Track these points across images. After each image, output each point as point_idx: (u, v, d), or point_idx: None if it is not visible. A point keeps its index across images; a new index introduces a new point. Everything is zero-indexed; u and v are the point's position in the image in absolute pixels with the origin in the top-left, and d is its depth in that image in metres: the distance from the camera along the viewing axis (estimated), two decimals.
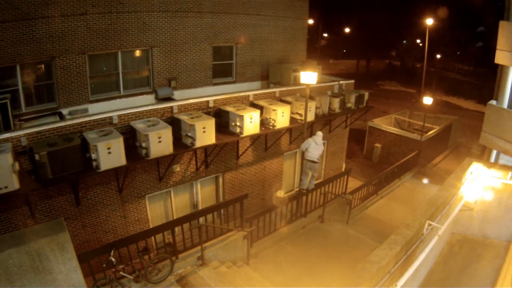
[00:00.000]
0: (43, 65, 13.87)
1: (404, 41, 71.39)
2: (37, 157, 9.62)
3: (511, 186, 13.63)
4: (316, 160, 13.84)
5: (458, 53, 71.55)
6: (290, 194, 16.96)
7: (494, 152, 19.86)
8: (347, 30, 70.97)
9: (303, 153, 14.23)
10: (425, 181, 22.70)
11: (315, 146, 13.71)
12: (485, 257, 12.67)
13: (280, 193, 17.74)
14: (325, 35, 76.04)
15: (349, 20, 68.18)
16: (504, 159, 18.98)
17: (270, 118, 14.28)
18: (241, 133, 13.37)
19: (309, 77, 12.74)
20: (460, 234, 14.35)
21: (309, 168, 13.91)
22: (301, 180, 14.43)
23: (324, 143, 15.08)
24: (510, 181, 13.74)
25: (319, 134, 14.03)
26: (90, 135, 10.76)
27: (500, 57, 17.58)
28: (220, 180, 15.29)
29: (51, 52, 13.52)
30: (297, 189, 16.67)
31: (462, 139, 32.56)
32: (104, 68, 15.40)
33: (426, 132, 26.34)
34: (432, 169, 24.78)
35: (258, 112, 13.71)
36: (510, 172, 14.06)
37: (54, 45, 13.51)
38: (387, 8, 63.42)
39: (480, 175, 14.25)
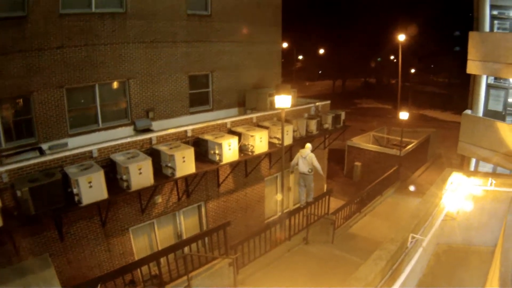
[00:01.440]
0: (21, 100, 13.76)
1: (379, 59, 72.69)
2: (19, 193, 9.56)
3: (492, 193, 13.87)
4: (306, 172, 15.01)
5: (432, 66, 73.09)
6: (273, 219, 17.00)
7: (473, 161, 20.24)
8: (321, 51, 71.97)
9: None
10: (411, 188, 23.04)
11: (303, 160, 14.96)
12: (472, 264, 12.81)
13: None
14: (300, 57, 76.98)
15: (323, 41, 69.20)
16: (485, 167, 19.32)
17: (248, 144, 14.40)
18: (220, 160, 13.44)
19: (283, 101, 12.93)
20: (445, 244, 14.49)
21: (302, 179, 15.40)
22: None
23: (311, 156, 15.39)
24: (490, 188, 14.00)
25: (307, 146, 15.02)
26: (70, 170, 10.73)
27: (471, 67, 18.07)
28: (203, 209, 15.26)
29: (29, 87, 13.44)
30: (280, 213, 16.71)
31: (442, 150, 33.08)
32: (82, 101, 15.34)
33: (405, 146, 26.72)
34: (414, 183, 25.06)
35: (236, 139, 13.81)
36: (490, 179, 14.33)
37: (32, 79, 13.43)
38: (359, 27, 64.58)
39: (460, 184, 14.47)
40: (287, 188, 18.86)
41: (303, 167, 15.10)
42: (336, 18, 65.57)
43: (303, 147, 15.20)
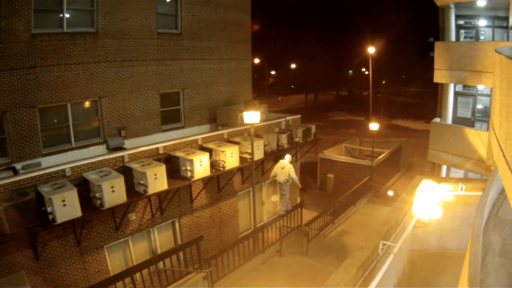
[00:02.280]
0: None
1: (350, 71, 73.81)
2: None
3: (463, 197, 14.28)
4: (282, 182, 16.28)
5: (404, 76, 74.43)
6: (247, 232, 17.19)
7: (445, 168, 20.75)
8: (293, 66, 72.77)
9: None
10: (389, 193, 23.50)
11: (280, 170, 16.23)
12: (447, 268, 13.19)
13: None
14: (273, 72, 77.69)
15: (295, 56, 70.05)
16: (457, 173, 19.80)
17: (219, 159, 14.63)
18: (192, 177, 13.62)
19: (252, 116, 13.24)
20: (420, 250, 14.86)
21: (279, 188, 16.82)
22: None
23: (288, 167, 16.24)
24: (461, 193, 14.41)
25: (286, 157, 16.23)
26: (44, 189, 10.79)
27: (438, 76, 18.65)
28: (177, 225, 15.35)
29: (2, 107, 13.44)
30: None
31: (414, 159, 33.72)
32: (55, 121, 15.37)
33: (377, 157, 27.19)
34: (387, 192, 25.48)
35: (207, 155, 14.02)
36: (460, 184, 14.75)
37: (5, 99, 13.44)
38: (330, 40, 65.62)
39: (431, 190, 14.84)
40: (261, 202, 19.11)
41: (280, 177, 16.16)
42: (307, 33, 66.41)
43: (276, 161, 15.61)
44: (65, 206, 10.43)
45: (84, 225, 12.00)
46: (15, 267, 10.98)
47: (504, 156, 5.56)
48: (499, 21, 18.96)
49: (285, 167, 16.17)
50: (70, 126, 15.56)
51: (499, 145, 6.23)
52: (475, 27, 19.58)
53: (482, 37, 19.44)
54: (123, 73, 16.75)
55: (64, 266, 12.09)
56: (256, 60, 61.86)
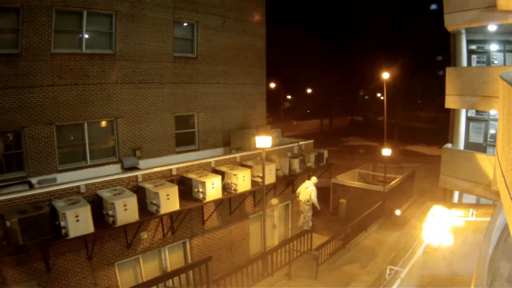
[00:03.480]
0: (12, 134, 14.25)
1: (366, 96, 73.92)
2: (8, 223, 9.89)
3: (474, 223, 14.24)
4: (303, 201, 17.23)
5: (419, 101, 74.25)
6: (257, 255, 17.27)
7: (457, 193, 20.68)
8: (309, 90, 73.07)
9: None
10: (397, 212, 23.43)
11: (304, 189, 17.16)
12: None
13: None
14: (289, 97, 78.05)
15: (310, 81, 70.39)
16: (470, 198, 19.73)
17: (231, 182, 14.85)
18: (204, 198, 13.82)
19: (263, 141, 13.50)
20: (429, 276, 14.81)
21: (300, 206, 17.63)
22: None
23: (311, 189, 17.07)
24: (471, 218, 14.38)
25: (312, 178, 17.18)
26: (58, 204, 11.11)
27: (449, 102, 18.73)
28: (188, 245, 15.50)
29: (21, 122, 13.95)
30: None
31: (427, 185, 33.45)
32: (72, 138, 15.80)
33: (389, 182, 27.15)
34: (399, 217, 25.35)
35: (219, 177, 14.25)
36: (470, 209, 14.72)
37: (23, 115, 13.96)
38: (345, 66, 65.98)
39: (441, 216, 14.84)
40: (272, 225, 19.21)
41: (302, 196, 17.10)
42: (323, 58, 66.84)
43: (288, 185, 15.83)
44: (78, 222, 10.71)
45: (96, 241, 12.22)
46: (26, 278, 11.21)
47: (505, 181, 5.66)
48: (510, 46, 19.10)
49: (309, 187, 16.96)
50: (86, 144, 16.01)
51: (501, 170, 6.34)
52: (487, 52, 19.70)
53: (495, 62, 19.53)
54: (139, 94, 17.20)
55: (75, 280, 12.27)
56: (272, 85, 62.49)
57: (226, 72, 20.67)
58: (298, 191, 17.54)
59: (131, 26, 16.57)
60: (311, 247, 17.19)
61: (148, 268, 14.45)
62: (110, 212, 11.54)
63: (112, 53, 16.15)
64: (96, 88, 15.80)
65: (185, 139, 19.36)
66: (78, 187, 12.18)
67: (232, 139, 20.82)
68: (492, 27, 17.68)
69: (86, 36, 15.45)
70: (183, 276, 13.36)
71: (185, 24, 18.97)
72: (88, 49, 15.51)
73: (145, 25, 17.04)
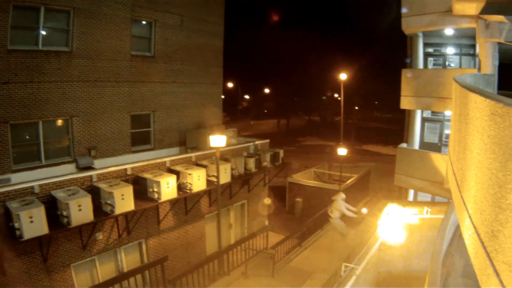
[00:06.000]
0: None
1: (323, 97, 74.90)
2: None
3: (429, 220, 14.66)
4: (328, 212, 18.53)
5: (376, 102, 75.85)
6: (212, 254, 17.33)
7: (412, 192, 21.20)
8: (266, 91, 73.51)
9: None
10: (363, 210, 23.78)
11: (332, 201, 18.43)
12: None
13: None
14: (246, 96, 78.30)
15: (268, 81, 70.88)
16: (425, 197, 20.22)
17: (186, 182, 14.85)
18: (159, 198, 13.78)
19: (218, 140, 13.57)
20: (386, 272, 15.15)
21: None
22: None
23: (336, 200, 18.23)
24: (426, 216, 14.80)
25: (338, 194, 18.41)
26: (12, 205, 10.87)
27: (405, 103, 19.19)
28: (144, 246, 15.39)
29: None
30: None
31: (383, 183, 34.15)
32: (27, 137, 15.43)
33: (345, 181, 27.63)
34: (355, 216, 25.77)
35: (174, 177, 14.23)
36: (425, 207, 15.14)
37: None
38: (303, 67, 66.70)
39: (396, 214, 15.20)
40: (228, 225, 19.28)
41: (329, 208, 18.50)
42: (281, 58, 67.39)
43: (243, 184, 15.99)
44: (32, 223, 10.51)
45: (51, 243, 11.99)
46: None
47: (456, 179, 5.87)
48: (466, 49, 19.70)
49: (335, 200, 18.16)
50: (41, 143, 15.62)
51: (452, 168, 6.58)
52: (443, 55, 20.27)
53: (452, 64, 20.14)
54: (95, 93, 16.92)
55: (30, 283, 12.00)
56: (230, 84, 62.52)
57: (183, 71, 20.58)
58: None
59: (88, 23, 16.26)
60: (268, 245, 17.34)
61: (104, 270, 14.27)
62: (65, 213, 11.35)
63: (68, 51, 15.80)
64: (52, 86, 15.44)
65: (140, 139, 19.18)
66: (32, 187, 11.95)
67: (187, 139, 20.75)
68: (449, 31, 18.18)
69: (43, 32, 15.10)
70: (139, 276, 13.31)
71: (143, 22, 18.79)
72: (45, 46, 15.13)
73: (103, 23, 16.76)
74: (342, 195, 18.21)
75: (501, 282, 3.08)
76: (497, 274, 3.16)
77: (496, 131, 3.37)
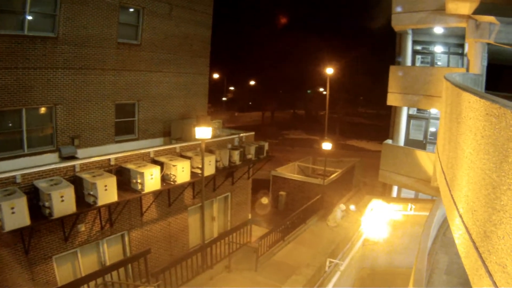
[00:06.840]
0: None
1: (308, 91, 74.89)
2: None
3: (413, 217, 14.74)
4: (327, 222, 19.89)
5: (361, 98, 76.11)
6: (197, 247, 17.22)
7: (396, 188, 21.33)
8: (252, 83, 73.34)
9: None
10: (352, 207, 23.85)
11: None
12: (397, 285, 13.55)
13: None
14: (232, 88, 78.08)
15: (254, 73, 70.65)
16: (409, 193, 20.39)
17: (170, 173, 14.66)
18: (142, 189, 13.58)
19: (203, 132, 13.41)
20: (370, 268, 15.21)
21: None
22: None
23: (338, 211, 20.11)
24: (410, 212, 14.87)
25: (340, 206, 20.04)
26: None
27: (392, 99, 19.23)
28: (126, 238, 15.19)
29: None
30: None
31: (367, 179, 34.36)
32: (9, 125, 15.06)
33: (329, 176, 27.67)
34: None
35: (158, 168, 14.03)
36: (409, 204, 15.21)
37: None
38: (289, 60, 66.55)
39: (380, 210, 15.26)
40: (211, 218, 19.15)
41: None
42: (267, 51, 67.13)
43: (227, 176, 15.91)
44: (14, 214, 10.28)
45: (33, 235, 11.78)
46: None
47: (445, 178, 5.83)
48: (454, 48, 19.80)
49: (337, 210, 19.64)
50: (24, 131, 15.25)
51: (442, 167, 6.54)
52: (432, 53, 20.36)
53: (439, 63, 20.22)
54: (80, 81, 16.57)
55: (12, 276, 11.80)
56: (216, 75, 62.21)
57: (170, 61, 20.27)
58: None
59: (76, 9, 15.84)
60: (251, 239, 17.28)
61: (86, 262, 14.07)
62: (47, 204, 11.11)
63: (54, 36, 15.38)
64: (36, 73, 15.05)
65: (124, 128, 18.86)
66: (14, 177, 11.68)
67: (172, 129, 20.49)
68: (438, 30, 18.24)
69: (29, 17, 14.66)
70: (121, 270, 13.14)
71: (131, 9, 18.39)
72: (31, 31, 14.69)
73: (90, 9, 16.35)
74: (342, 207, 19.36)
75: (494, 283, 3.04)
76: (490, 275, 3.11)
77: (491, 131, 3.34)
